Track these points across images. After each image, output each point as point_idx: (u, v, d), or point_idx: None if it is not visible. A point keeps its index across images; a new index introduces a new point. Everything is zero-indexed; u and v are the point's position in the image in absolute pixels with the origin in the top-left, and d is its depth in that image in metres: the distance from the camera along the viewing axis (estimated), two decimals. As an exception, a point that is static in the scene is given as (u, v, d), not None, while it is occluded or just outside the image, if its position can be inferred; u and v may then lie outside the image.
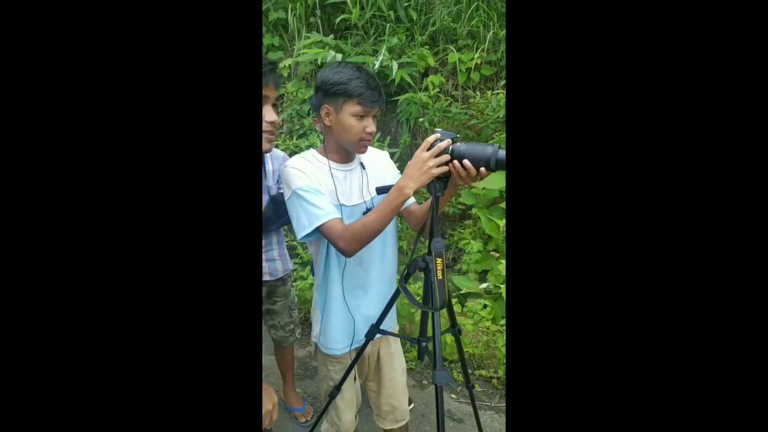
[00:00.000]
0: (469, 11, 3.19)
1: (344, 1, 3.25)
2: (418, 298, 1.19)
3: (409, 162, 0.91)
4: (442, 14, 3.34)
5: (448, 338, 2.03)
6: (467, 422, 1.76)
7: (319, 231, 0.99)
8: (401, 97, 3.17)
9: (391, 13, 3.37)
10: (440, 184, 0.91)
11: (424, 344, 1.03)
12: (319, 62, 3.26)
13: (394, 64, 3.09)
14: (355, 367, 1.16)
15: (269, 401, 0.81)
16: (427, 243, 0.94)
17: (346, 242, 0.96)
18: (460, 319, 2.16)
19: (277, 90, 0.90)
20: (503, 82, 2.93)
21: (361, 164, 1.14)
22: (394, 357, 1.24)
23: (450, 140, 0.87)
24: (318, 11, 3.74)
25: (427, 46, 3.31)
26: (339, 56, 3.22)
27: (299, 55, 3.35)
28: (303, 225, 1.00)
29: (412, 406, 1.83)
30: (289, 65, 3.63)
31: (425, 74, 3.31)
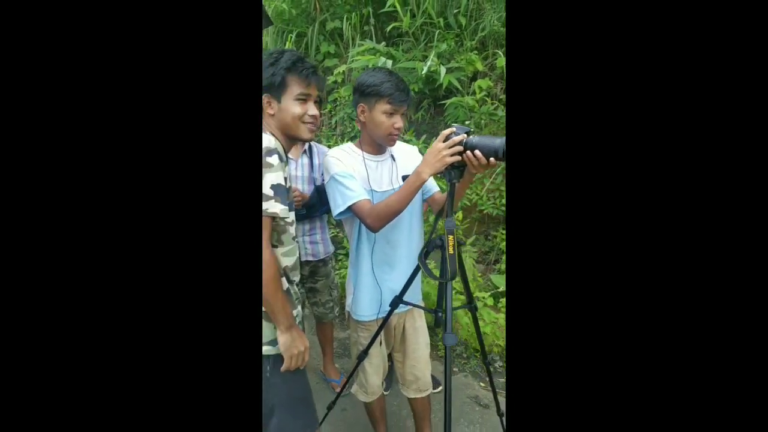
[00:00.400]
0: (518, 16, 3.22)
1: (396, 9, 3.42)
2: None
3: (427, 151, 1.05)
4: (492, 19, 3.41)
5: (484, 328, 2.11)
6: (493, 408, 1.84)
7: (351, 210, 1.15)
8: (448, 101, 3.27)
9: (441, 20, 3.49)
10: (455, 172, 1.03)
11: (440, 314, 1.15)
12: (369, 66, 3.46)
13: (442, 69, 3.20)
14: (383, 334, 1.31)
15: (302, 344, 0.98)
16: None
17: (372, 219, 1.12)
18: (494, 314, 2.23)
19: (319, 89, 1.08)
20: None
21: (392, 156, 1.30)
22: (418, 331, 1.37)
23: (464, 134, 1.00)
24: (372, 20, 3.96)
25: (476, 51, 3.39)
26: (389, 62, 3.39)
27: (352, 61, 3.57)
28: (338, 204, 1.17)
29: (440, 389, 1.94)
30: (343, 71, 3.86)
31: (474, 78, 3.39)
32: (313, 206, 1.63)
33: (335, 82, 3.82)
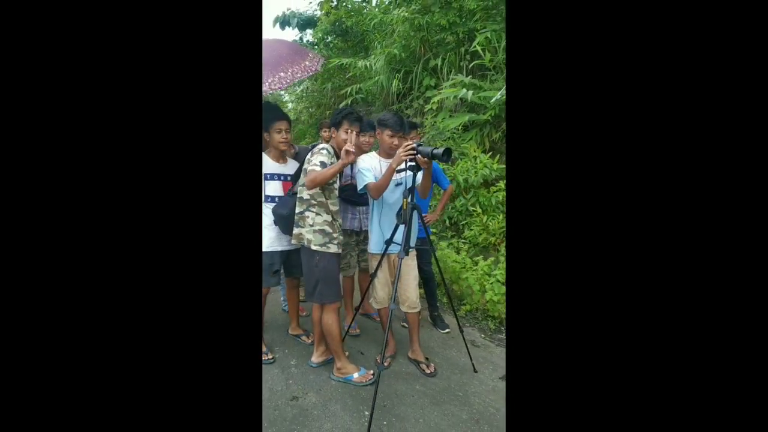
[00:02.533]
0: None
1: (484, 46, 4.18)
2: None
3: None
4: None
5: (488, 296, 2.75)
6: (481, 345, 2.49)
7: (366, 188, 2.08)
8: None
9: (517, 55, 4.14)
10: (415, 167, 1.87)
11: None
12: (452, 98, 4.30)
13: (513, 96, 3.84)
14: (385, 264, 2.18)
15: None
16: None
17: (372, 192, 2.03)
18: (503, 288, 2.83)
19: (357, 129, 2.06)
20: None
21: (398, 160, 2.18)
22: (410, 267, 2.20)
23: (415, 144, 1.83)
24: (468, 56, 4.79)
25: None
26: (470, 93, 4.18)
27: (442, 92, 4.46)
28: (359, 184, 2.11)
29: (447, 330, 2.67)
30: (438, 100, 4.78)
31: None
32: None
33: (431, 109, 4.76)
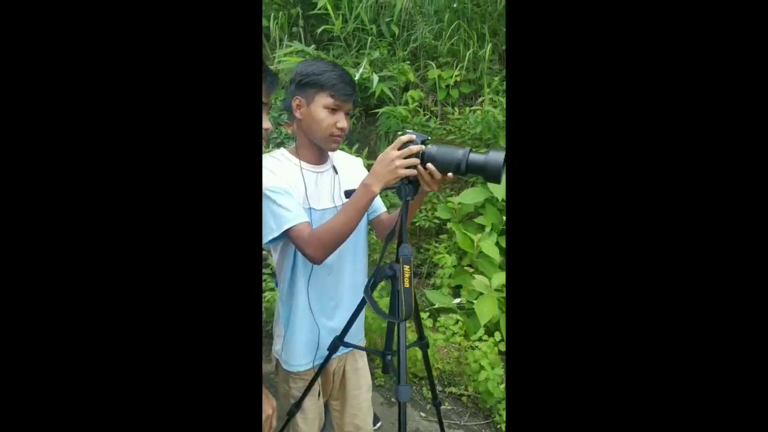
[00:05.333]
0: (450, 30, 3.25)
1: (327, 12, 3.25)
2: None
3: (377, 159, 0.87)
4: (424, 31, 3.40)
5: (418, 354, 1.97)
6: (436, 442, 1.70)
7: (287, 235, 0.93)
8: (381, 110, 3.17)
9: (373, 27, 3.39)
10: (410, 187, 0.87)
11: (389, 357, 0.97)
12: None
13: (375, 77, 3.09)
14: (319, 383, 1.09)
15: (269, 406, 0.83)
16: (396, 251, 0.90)
17: (314, 249, 0.90)
18: (431, 335, 2.11)
19: (271, 94, 0.87)
20: (481, 99, 2.97)
21: (334, 167, 1.09)
22: (359, 373, 1.17)
23: (423, 145, 0.83)
24: (301, 21, 3.75)
25: (407, 62, 3.35)
26: (319, 66, 3.19)
27: (279, 62, 3.31)
28: (270, 228, 0.93)
29: (379, 425, 1.75)
30: (274, 71, 3.58)
31: (406, 89, 3.33)
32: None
33: (273, 77, 3.52)
